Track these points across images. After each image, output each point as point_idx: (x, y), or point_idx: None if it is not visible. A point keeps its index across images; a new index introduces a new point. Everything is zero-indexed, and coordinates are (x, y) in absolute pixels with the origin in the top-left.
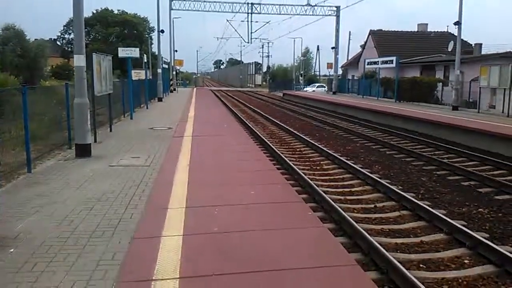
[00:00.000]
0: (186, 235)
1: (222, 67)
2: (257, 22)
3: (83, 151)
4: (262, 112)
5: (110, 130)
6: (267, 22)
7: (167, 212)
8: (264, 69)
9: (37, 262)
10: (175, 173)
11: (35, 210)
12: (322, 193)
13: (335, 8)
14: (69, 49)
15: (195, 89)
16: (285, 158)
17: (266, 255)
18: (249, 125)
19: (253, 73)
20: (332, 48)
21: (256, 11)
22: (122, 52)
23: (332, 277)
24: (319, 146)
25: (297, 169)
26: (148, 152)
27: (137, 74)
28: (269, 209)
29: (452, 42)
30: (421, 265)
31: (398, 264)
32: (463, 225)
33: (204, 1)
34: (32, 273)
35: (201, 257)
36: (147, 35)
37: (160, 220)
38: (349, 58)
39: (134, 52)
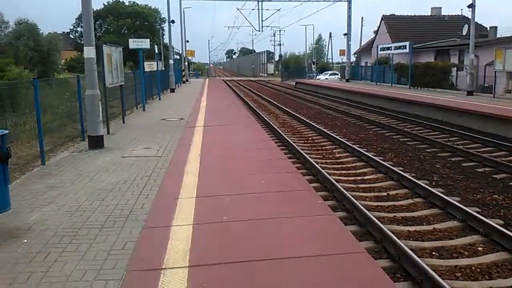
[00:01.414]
0: (196, 224)
1: (234, 57)
2: (267, 10)
3: (96, 142)
4: (274, 101)
5: (123, 122)
6: (278, 10)
7: (177, 202)
8: (277, 58)
9: (50, 252)
10: (186, 163)
11: (48, 202)
12: (333, 181)
13: None
14: (82, 42)
15: (207, 79)
16: (297, 147)
17: (275, 244)
18: (261, 114)
19: (265, 62)
20: (344, 34)
21: None
22: (133, 44)
23: (340, 264)
24: (332, 134)
25: (309, 158)
26: (160, 143)
27: (150, 66)
28: (279, 197)
29: (466, 25)
30: (433, 253)
31: (410, 252)
32: (477, 212)
33: None
34: (44, 262)
35: (210, 246)
36: (158, 26)
37: (171, 210)
38: (362, 44)
39: (145, 43)
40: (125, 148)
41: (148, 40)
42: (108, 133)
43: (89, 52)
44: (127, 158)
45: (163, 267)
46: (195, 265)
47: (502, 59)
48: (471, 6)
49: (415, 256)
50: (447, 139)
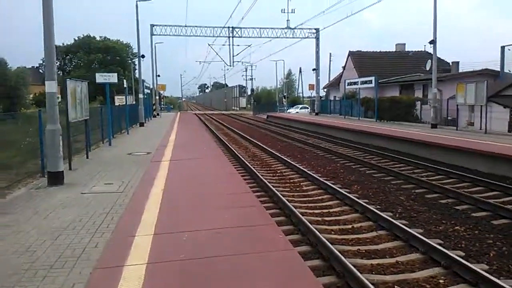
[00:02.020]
0: (150, 263)
1: (207, 91)
2: (238, 45)
3: (55, 179)
4: (245, 135)
5: (87, 157)
6: (249, 46)
7: (133, 240)
8: (249, 92)
9: None
10: (148, 199)
11: None
12: (299, 215)
13: (314, 31)
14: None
15: (179, 113)
16: (265, 180)
17: (232, 281)
18: (231, 147)
19: (238, 96)
20: (313, 69)
21: (237, 35)
22: (100, 78)
23: None
24: (300, 167)
25: (276, 191)
26: (123, 178)
27: (120, 100)
28: (241, 233)
29: (429, 61)
30: (395, 287)
31: (371, 287)
32: (439, 244)
33: (186, 26)
34: None
35: (163, 286)
36: (130, 61)
37: (125, 249)
38: (331, 79)
39: (112, 78)
40: (85, 184)
41: (116, 74)
42: (70, 168)
43: (51, 87)
44: (86, 194)
45: None
46: None
47: (464, 93)
48: (433, 42)
49: None
50: (412, 171)
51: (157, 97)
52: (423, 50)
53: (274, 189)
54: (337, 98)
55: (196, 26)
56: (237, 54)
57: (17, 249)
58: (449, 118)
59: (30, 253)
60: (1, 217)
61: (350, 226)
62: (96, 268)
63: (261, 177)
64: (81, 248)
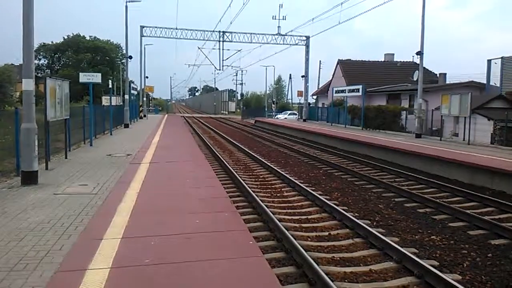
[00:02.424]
0: (114, 267)
1: (197, 94)
2: (228, 50)
3: (29, 178)
4: (230, 139)
5: (66, 157)
6: (239, 50)
7: (100, 244)
8: (239, 97)
9: None
10: (121, 201)
11: None
12: (276, 221)
13: (304, 38)
14: (39, 75)
15: (166, 115)
16: (246, 185)
17: (193, 287)
18: (216, 151)
19: (227, 100)
20: (302, 76)
21: (227, 39)
22: (83, 77)
23: None
24: (282, 173)
25: (255, 196)
26: (99, 180)
27: (107, 100)
28: (211, 238)
29: (417, 71)
30: None
31: None
32: (414, 253)
33: (176, 29)
34: None
35: None
36: (119, 62)
37: (90, 252)
38: (320, 86)
39: (96, 78)
40: (60, 184)
41: (100, 74)
42: (46, 168)
43: (28, 85)
44: (59, 195)
45: None
46: None
47: (448, 104)
48: (419, 53)
49: None
50: (393, 180)
51: (145, 99)
52: (411, 61)
53: (254, 194)
54: (325, 105)
55: (186, 29)
56: (227, 58)
57: None
58: (434, 128)
59: None
60: None
61: (327, 233)
62: (58, 271)
63: (243, 182)
64: (46, 250)
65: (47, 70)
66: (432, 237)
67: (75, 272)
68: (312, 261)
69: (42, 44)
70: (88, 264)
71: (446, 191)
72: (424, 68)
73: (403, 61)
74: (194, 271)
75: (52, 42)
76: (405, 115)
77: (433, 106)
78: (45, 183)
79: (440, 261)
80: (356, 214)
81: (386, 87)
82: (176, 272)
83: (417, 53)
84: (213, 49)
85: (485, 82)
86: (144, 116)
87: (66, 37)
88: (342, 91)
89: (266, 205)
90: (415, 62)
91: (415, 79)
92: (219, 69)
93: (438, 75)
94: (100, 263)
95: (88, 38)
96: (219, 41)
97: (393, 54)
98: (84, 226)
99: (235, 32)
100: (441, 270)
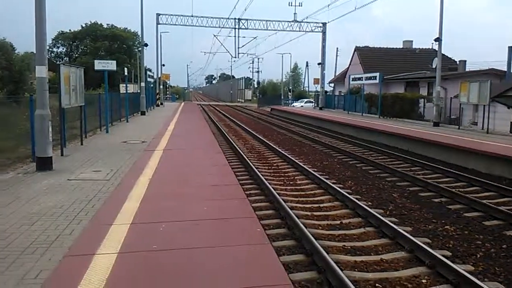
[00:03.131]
0: (121, 253)
1: (214, 82)
2: (244, 37)
3: (44, 164)
4: (246, 127)
5: (81, 144)
6: (254, 38)
7: (109, 229)
8: (255, 85)
9: None
10: (133, 187)
11: None
12: (287, 208)
13: (321, 24)
14: (57, 62)
15: (182, 103)
16: (259, 173)
17: (199, 274)
18: (230, 139)
19: (243, 88)
20: (319, 64)
21: (243, 26)
22: (99, 65)
23: None
24: (296, 161)
25: (268, 184)
26: (112, 166)
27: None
28: (218, 225)
29: (436, 58)
30: (377, 285)
31: (350, 284)
32: (426, 243)
33: (192, 16)
34: None
35: (130, 277)
36: (136, 50)
37: (99, 237)
38: (337, 74)
39: (111, 65)
40: (74, 170)
41: (115, 62)
42: (61, 154)
43: (41, 72)
44: (73, 181)
45: None
46: None
47: (467, 92)
48: (438, 40)
49: None
50: (408, 169)
51: (161, 87)
52: (430, 48)
53: (266, 182)
54: (342, 93)
55: (202, 17)
56: (243, 46)
57: None
58: (452, 117)
59: (3, 237)
60: None
61: (338, 222)
62: (66, 256)
63: (256, 169)
64: (56, 234)
65: (65, 58)
66: (446, 227)
67: (84, 256)
68: (321, 249)
69: (61, 32)
70: (96, 249)
71: (463, 180)
72: (443, 55)
73: (422, 48)
74: (200, 257)
75: (70, 30)
76: (423, 103)
77: (452, 94)
78: (59, 169)
79: (453, 252)
80: (369, 203)
81: (404, 74)
82: (182, 258)
83: (436, 40)
84: (229, 36)
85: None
86: (161, 104)
87: (84, 25)
88: (359, 79)
89: (278, 193)
90: (434, 49)
91: (434, 66)
92: (235, 57)
93: (457, 62)
94: (109, 248)
95: (105, 26)
96: (235, 28)
97: (411, 41)
98: (95, 211)
99: (250, 19)
100: (454, 261)
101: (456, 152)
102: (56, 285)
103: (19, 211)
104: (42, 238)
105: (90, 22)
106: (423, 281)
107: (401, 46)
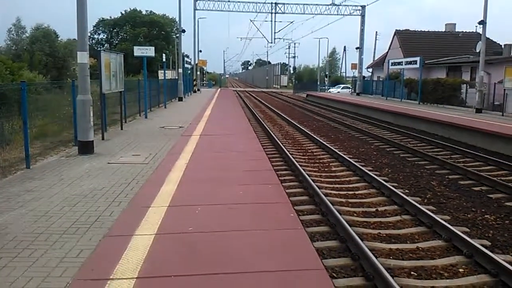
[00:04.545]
0: (158, 234)
1: (250, 68)
2: (280, 22)
3: (86, 148)
4: (281, 113)
5: (121, 128)
6: (291, 22)
7: (147, 211)
8: (291, 70)
9: (1, 257)
10: (171, 171)
11: (19, 205)
12: (321, 194)
13: (360, 8)
14: (98, 49)
15: (218, 89)
16: (293, 159)
17: (232, 256)
18: (265, 125)
19: (279, 74)
20: (357, 48)
21: (280, 11)
22: (138, 51)
23: (294, 281)
24: (332, 147)
25: (302, 170)
26: (151, 150)
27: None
28: (252, 209)
29: (480, 42)
30: (412, 273)
31: (384, 271)
32: (464, 232)
33: (228, 1)
34: None
35: (167, 257)
36: (174, 36)
37: (137, 219)
38: (376, 58)
39: (149, 51)
40: (114, 154)
41: (153, 48)
42: (102, 138)
43: (82, 57)
44: (113, 164)
45: (111, 277)
46: (143, 276)
47: None
48: (482, 22)
49: (388, 276)
50: (448, 156)
51: (198, 73)
52: (474, 31)
53: (300, 168)
54: (380, 79)
55: (238, 1)
56: (279, 31)
57: (35, 213)
58: (496, 103)
59: (46, 218)
60: (28, 183)
61: (374, 209)
62: (106, 236)
63: (290, 155)
64: (96, 216)
65: (106, 45)
66: (485, 216)
67: (122, 237)
68: (356, 236)
69: (101, 19)
70: (135, 230)
71: (505, 169)
72: (488, 38)
73: (465, 32)
74: (234, 240)
75: (110, 17)
76: (465, 88)
77: (496, 80)
78: (100, 152)
79: (492, 241)
80: (406, 191)
81: (446, 59)
82: (216, 240)
83: (480, 23)
84: (265, 21)
85: None
86: (198, 90)
87: (123, 12)
88: (399, 63)
89: (312, 179)
90: (478, 33)
91: (477, 50)
92: (271, 42)
93: (503, 46)
94: (146, 229)
95: (144, 12)
96: (271, 13)
97: (454, 24)
98: (133, 194)
99: (287, 3)
100: (493, 251)
101: (499, 139)
102: (96, 263)
103: (62, 193)
104: (83, 219)
105: (130, 8)
106: (460, 270)
107: (443, 30)
